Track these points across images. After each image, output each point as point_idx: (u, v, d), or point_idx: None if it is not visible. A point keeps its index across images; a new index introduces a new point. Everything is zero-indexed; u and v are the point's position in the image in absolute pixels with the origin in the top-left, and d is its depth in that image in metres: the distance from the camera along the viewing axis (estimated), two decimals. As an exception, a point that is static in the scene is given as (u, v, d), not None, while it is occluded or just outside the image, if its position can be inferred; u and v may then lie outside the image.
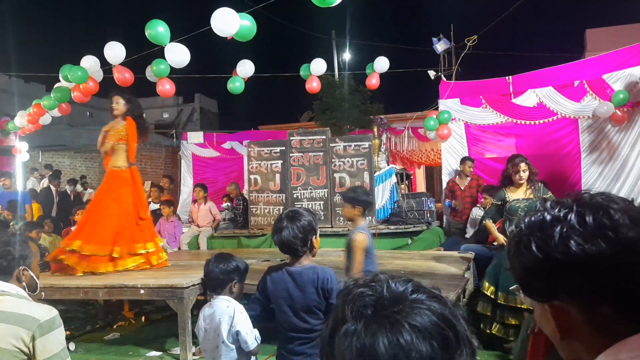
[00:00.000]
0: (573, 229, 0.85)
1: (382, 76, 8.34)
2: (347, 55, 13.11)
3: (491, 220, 5.23)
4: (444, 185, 8.20)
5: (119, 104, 5.51)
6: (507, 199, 4.94)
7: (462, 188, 7.75)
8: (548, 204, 0.91)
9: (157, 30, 5.62)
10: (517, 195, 4.94)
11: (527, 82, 7.83)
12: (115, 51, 6.28)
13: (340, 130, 12.87)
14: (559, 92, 7.60)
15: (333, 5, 3.96)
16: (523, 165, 4.89)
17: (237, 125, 13.98)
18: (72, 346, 5.02)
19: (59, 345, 2.19)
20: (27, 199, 8.43)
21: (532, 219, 0.92)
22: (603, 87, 7.38)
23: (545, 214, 0.90)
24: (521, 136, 7.96)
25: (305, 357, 2.39)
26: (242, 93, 7.59)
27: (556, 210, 0.89)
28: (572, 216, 0.86)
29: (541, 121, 7.71)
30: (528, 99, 7.79)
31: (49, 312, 2.19)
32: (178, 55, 5.95)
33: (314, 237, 2.56)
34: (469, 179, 7.77)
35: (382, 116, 11.15)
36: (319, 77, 8.04)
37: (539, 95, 7.70)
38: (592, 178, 7.58)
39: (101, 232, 5.22)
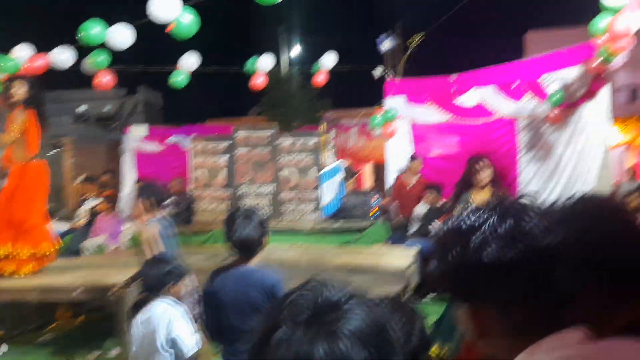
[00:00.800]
0: (491, 235, 0.87)
1: (331, 71, 8.35)
2: (296, 50, 13.08)
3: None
4: (391, 182, 8.30)
5: (21, 90, 4.82)
6: (470, 202, 4.65)
7: (410, 186, 7.88)
8: (469, 209, 0.94)
9: (91, 32, 5.35)
10: (480, 198, 4.63)
11: (469, 81, 8.01)
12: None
13: (288, 125, 12.85)
14: (499, 92, 7.83)
15: (275, 3, 3.90)
16: (483, 165, 4.73)
17: (183, 119, 13.68)
18: (4, 348, 4.80)
19: None
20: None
21: (453, 224, 0.94)
22: (541, 87, 7.65)
23: (466, 219, 0.92)
24: (464, 135, 8.16)
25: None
26: (188, 86, 7.42)
27: (476, 216, 0.91)
28: (490, 223, 0.89)
29: (481, 120, 7.93)
30: (470, 98, 7.98)
31: None
32: (120, 38, 5.70)
33: (264, 238, 2.54)
34: (416, 177, 7.90)
35: (330, 112, 11.21)
36: (267, 72, 7.98)
37: (481, 94, 7.90)
38: (529, 176, 7.86)
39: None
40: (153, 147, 11.81)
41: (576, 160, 7.55)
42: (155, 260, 2.76)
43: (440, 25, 8.15)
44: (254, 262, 2.56)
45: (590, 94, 7.44)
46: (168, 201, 8.74)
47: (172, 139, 11.82)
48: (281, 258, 5.96)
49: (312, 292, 0.78)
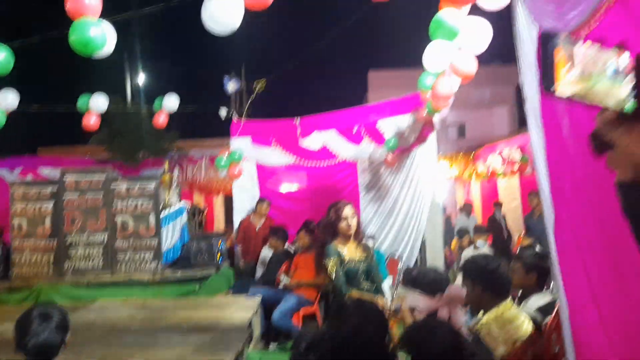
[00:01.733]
0: None
1: (179, 106, 8.03)
2: (141, 81, 12.45)
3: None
4: (237, 224, 8.18)
5: None
6: (343, 259, 4.13)
7: (257, 228, 7.83)
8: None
9: None
10: (351, 253, 4.18)
11: (313, 124, 8.26)
12: None
13: (132, 157, 12.10)
14: (340, 136, 8.17)
15: (95, 55, 3.61)
16: (349, 211, 4.19)
17: (9, 148, 12.20)
18: None
19: None
20: None
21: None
22: (378, 133, 8.13)
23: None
24: (309, 176, 8.36)
25: None
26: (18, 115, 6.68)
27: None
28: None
29: (325, 163, 8.20)
30: (314, 140, 8.22)
31: None
32: None
33: (63, 342, 2.25)
34: (263, 219, 7.89)
35: (178, 145, 10.77)
36: (111, 104, 7.42)
37: (324, 137, 8.18)
38: (370, 215, 8.27)
39: None
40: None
41: (410, 200, 8.11)
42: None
43: (286, 69, 8.31)
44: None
45: (421, 139, 8.08)
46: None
47: (-6, 172, 10.46)
48: (112, 317, 5.50)
49: None
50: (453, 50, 4.50)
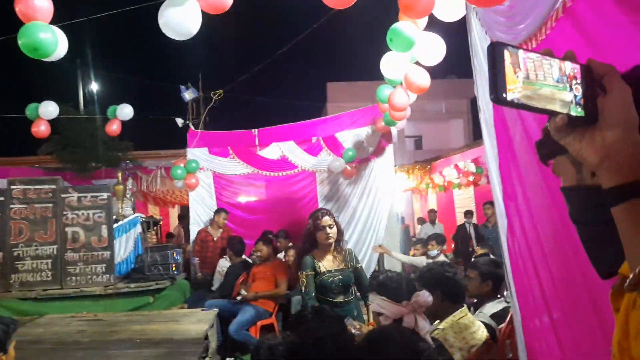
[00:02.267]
0: None
1: (133, 106, 7.85)
2: (94, 89, 12.11)
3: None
4: (193, 235, 8.04)
5: None
6: (319, 270, 4.03)
7: (215, 239, 7.72)
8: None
9: None
10: (328, 264, 4.07)
11: (271, 135, 8.25)
12: None
13: (84, 168, 11.72)
14: (299, 147, 8.18)
15: (47, 59, 3.49)
16: (328, 220, 4.07)
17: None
18: None
19: None
20: None
21: None
22: (336, 144, 8.19)
23: None
24: (267, 187, 8.33)
25: None
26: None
27: None
28: None
29: (284, 173, 8.19)
30: (272, 151, 8.21)
31: None
32: None
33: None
34: (221, 230, 7.79)
35: (129, 159, 10.50)
36: (61, 112, 7.18)
37: (282, 148, 8.18)
38: (328, 225, 8.27)
39: None
40: None
41: (369, 210, 8.18)
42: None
43: (243, 79, 8.28)
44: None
45: (379, 150, 8.19)
46: None
47: None
48: (61, 332, 5.27)
49: None
50: (408, 62, 4.59)
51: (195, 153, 8.06)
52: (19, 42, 3.33)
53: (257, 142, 8.14)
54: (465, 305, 3.02)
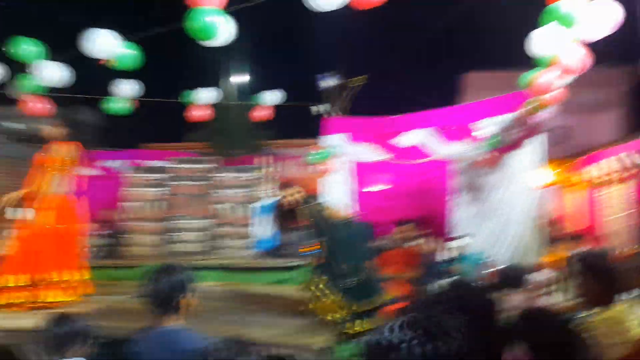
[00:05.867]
0: (409, 356, 0.89)
1: (274, 105, 8.28)
2: (239, 80, 12.97)
3: None
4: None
5: (55, 125, 5.05)
6: None
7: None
8: (390, 325, 0.94)
9: (24, 48, 5.16)
10: None
11: (409, 122, 8.19)
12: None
13: (228, 155, 12.61)
14: (437, 135, 8.03)
15: (213, 40, 3.82)
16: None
17: (119, 142, 13.21)
18: None
19: None
20: None
21: (374, 338, 0.96)
22: (476, 131, 7.90)
23: (387, 335, 0.93)
24: (402, 174, 8.30)
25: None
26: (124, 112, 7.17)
27: (398, 333, 0.92)
28: (410, 345, 0.90)
29: (418, 161, 8.10)
30: (409, 139, 8.15)
31: None
32: (51, 74, 5.51)
33: (182, 296, 2.38)
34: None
35: (272, 143, 11.10)
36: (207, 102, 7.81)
37: (419, 136, 8.09)
38: (463, 216, 8.05)
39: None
40: (86, 170, 11.28)
41: (507, 203, 7.80)
42: (62, 319, 2.57)
43: (382, 67, 8.35)
44: (174, 323, 2.41)
45: (521, 140, 7.75)
46: (96, 233, 8.37)
47: (106, 163, 11.37)
48: (210, 298, 5.77)
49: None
50: (564, 38, 4.29)
51: (333, 139, 8.28)
52: (187, 25, 3.68)
53: (394, 129, 8.15)
54: (622, 299, 2.81)
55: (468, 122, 8.02)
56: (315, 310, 4.98)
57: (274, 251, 7.37)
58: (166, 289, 2.34)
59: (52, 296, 4.71)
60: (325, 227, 4.86)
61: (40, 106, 6.28)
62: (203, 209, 7.06)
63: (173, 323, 2.40)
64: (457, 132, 8.05)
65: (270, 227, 7.83)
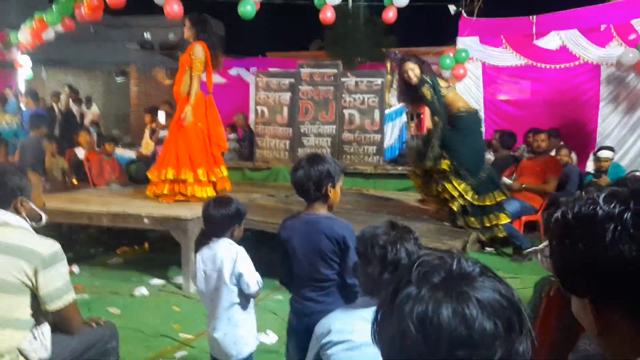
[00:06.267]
0: (627, 231, 0.76)
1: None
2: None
3: None
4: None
5: (186, 27, 5.22)
6: None
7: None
8: (602, 195, 0.81)
9: None
10: None
11: (551, 23, 7.45)
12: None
13: (351, 62, 12.42)
14: (583, 36, 7.24)
15: None
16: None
17: (244, 51, 13.53)
18: (76, 269, 5.05)
19: (61, 279, 2.17)
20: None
21: (582, 210, 0.83)
22: (630, 33, 7.01)
23: (598, 208, 0.80)
24: (539, 80, 7.70)
25: (316, 304, 2.40)
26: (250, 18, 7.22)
27: (611, 205, 0.79)
28: (627, 216, 0.76)
29: (562, 65, 7.40)
30: (551, 41, 7.44)
31: (51, 246, 2.16)
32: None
33: (329, 185, 2.43)
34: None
35: (396, 50, 10.71)
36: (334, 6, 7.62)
37: (563, 38, 7.34)
38: (609, 128, 7.37)
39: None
40: (214, 78, 11.78)
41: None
42: (221, 202, 2.75)
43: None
44: (321, 212, 2.49)
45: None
46: (230, 136, 8.85)
47: (234, 71, 11.77)
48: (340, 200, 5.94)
49: (449, 258, 0.80)
50: None
51: (466, 42, 7.78)
52: None
53: (534, 30, 7.45)
54: None
55: (619, 22, 7.11)
56: (438, 203, 5.04)
57: (399, 159, 7.34)
58: (315, 177, 2.39)
59: (194, 191, 5.08)
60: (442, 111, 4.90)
61: (177, 9, 6.52)
62: (331, 114, 7.11)
63: (320, 211, 2.47)
64: (606, 33, 7.19)
65: (395, 136, 7.77)
